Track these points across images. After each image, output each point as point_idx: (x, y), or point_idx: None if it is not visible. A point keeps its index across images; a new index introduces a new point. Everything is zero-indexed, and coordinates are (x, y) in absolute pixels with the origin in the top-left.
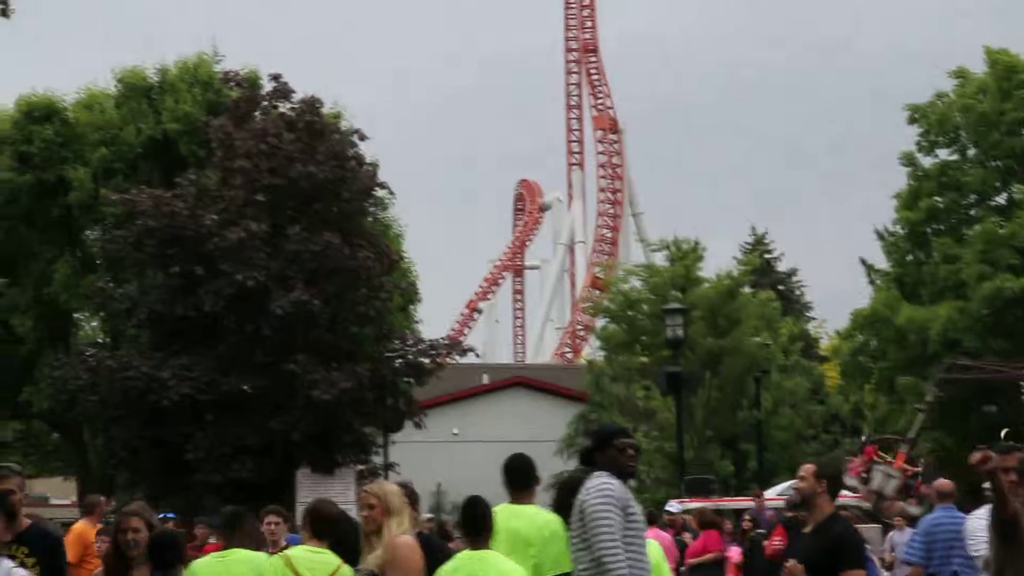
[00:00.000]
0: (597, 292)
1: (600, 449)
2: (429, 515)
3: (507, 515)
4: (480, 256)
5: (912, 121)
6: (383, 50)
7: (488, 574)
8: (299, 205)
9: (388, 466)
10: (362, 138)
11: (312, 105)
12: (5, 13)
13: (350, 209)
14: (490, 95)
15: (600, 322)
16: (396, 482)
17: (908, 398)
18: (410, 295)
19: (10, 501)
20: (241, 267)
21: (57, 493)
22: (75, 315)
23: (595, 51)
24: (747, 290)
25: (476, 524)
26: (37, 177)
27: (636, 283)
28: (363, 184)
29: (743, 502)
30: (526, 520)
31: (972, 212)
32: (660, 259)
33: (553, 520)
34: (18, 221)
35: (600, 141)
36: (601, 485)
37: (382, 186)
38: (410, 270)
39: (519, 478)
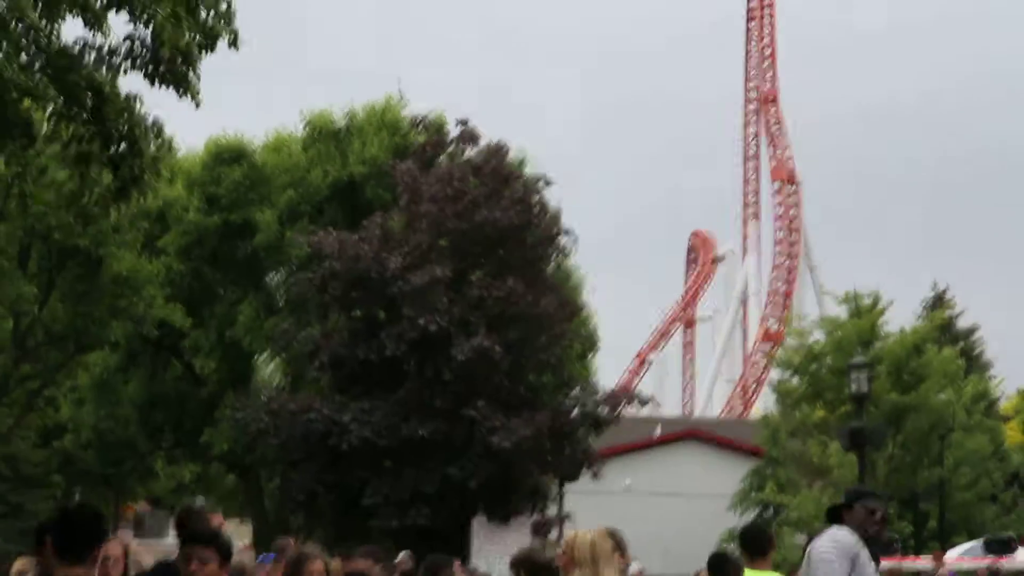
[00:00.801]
0: (771, 346)
1: (849, 508)
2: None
3: None
4: (652, 307)
5: None
6: (561, 94)
7: None
8: (483, 250)
9: (563, 517)
10: (547, 183)
11: (498, 150)
12: (235, 44)
13: (533, 255)
14: (668, 144)
15: (776, 375)
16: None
17: None
18: (589, 344)
19: (226, 539)
20: (424, 311)
21: (232, 536)
22: (255, 357)
23: (775, 101)
24: (932, 346)
25: (760, 543)
26: (224, 219)
27: (819, 336)
28: (547, 231)
29: (923, 563)
30: None
31: None
32: (840, 312)
33: None
34: (204, 262)
35: (777, 192)
36: (834, 534)
37: (566, 232)
38: (590, 319)
39: (757, 545)
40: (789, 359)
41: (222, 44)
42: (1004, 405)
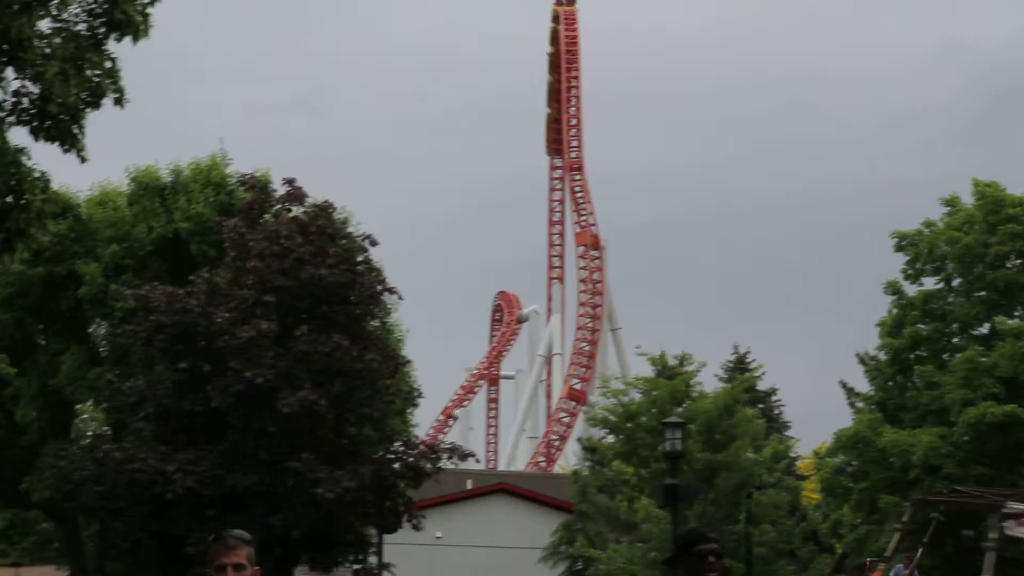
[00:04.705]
0: (574, 404)
1: (683, 554)
2: None
3: None
4: (458, 364)
5: (899, 249)
6: (377, 162)
7: None
8: (308, 306)
9: (384, 566)
10: (373, 243)
11: (324, 209)
12: (120, 102)
13: (358, 312)
14: (475, 210)
15: (582, 431)
16: None
17: (889, 518)
18: (410, 399)
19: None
20: (250, 365)
21: None
22: (76, 407)
23: (580, 169)
24: (741, 407)
25: None
26: (48, 271)
27: (634, 395)
28: (371, 288)
29: None
30: None
31: (955, 340)
32: (645, 372)
33: None
34: (27, 313)
35: (581, 257)
36: None
37: (391, 291)
38: (410, 374)
39: None
40: (604, 417)
41: (107, 101)
42: (800, 465)
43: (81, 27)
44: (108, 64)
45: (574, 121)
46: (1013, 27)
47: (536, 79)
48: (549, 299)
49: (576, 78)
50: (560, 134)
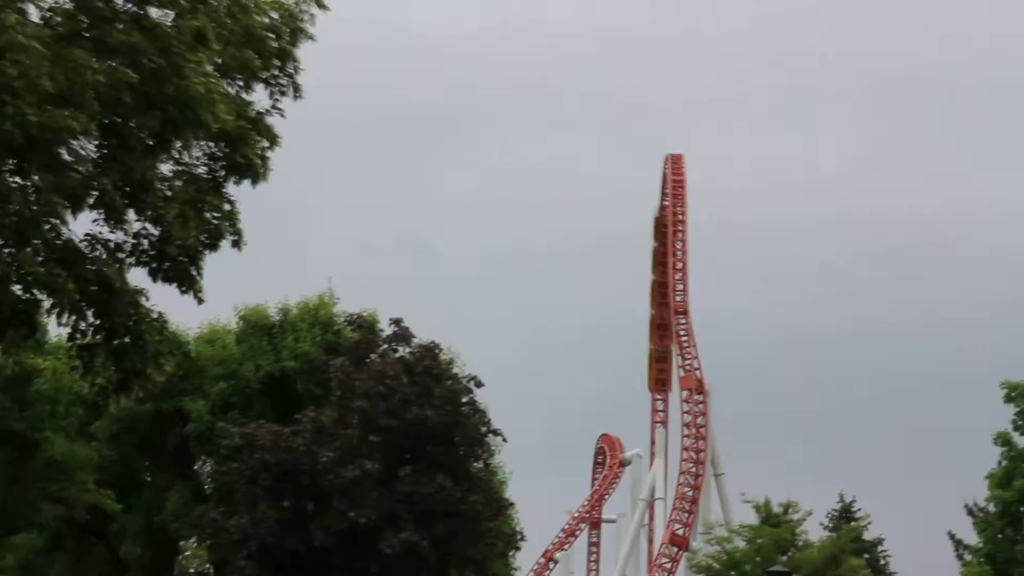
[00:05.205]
0: (676, 550)
1: None
2: None
3: None
4: (559, 506)
5: (1009, 399)
6: (480, 299)
7: None
8: (413, 447)
9: None
10: (478, 385)
11: (430, 350)
12: (239, 244)
13: (462, 453)
14: (577, 351)
15: None
16: None
17: None
18: (513, 542)
19: None
20: (353, 505)
21: None
22: (180, 544)
23: (685, 313)
24: (847, 557)
25: None
26: (156, 407)
27: (738, 542)
28: (475, 430)
29: None
30: None
31: None
32: (750, 518)
33: None
34: (134, 449)
35: (685, 401)
36: None
37: (495, 432)
38: (512, 516)
39: None
40: (707, 565)
41: (224, 244)
42: None
43: (202, 170)
44: (227, 207)
45: (679, 264)
46: None
47: (642, 217)
48: (652, 442)
49: (683, 221)
50: (666, 278)
